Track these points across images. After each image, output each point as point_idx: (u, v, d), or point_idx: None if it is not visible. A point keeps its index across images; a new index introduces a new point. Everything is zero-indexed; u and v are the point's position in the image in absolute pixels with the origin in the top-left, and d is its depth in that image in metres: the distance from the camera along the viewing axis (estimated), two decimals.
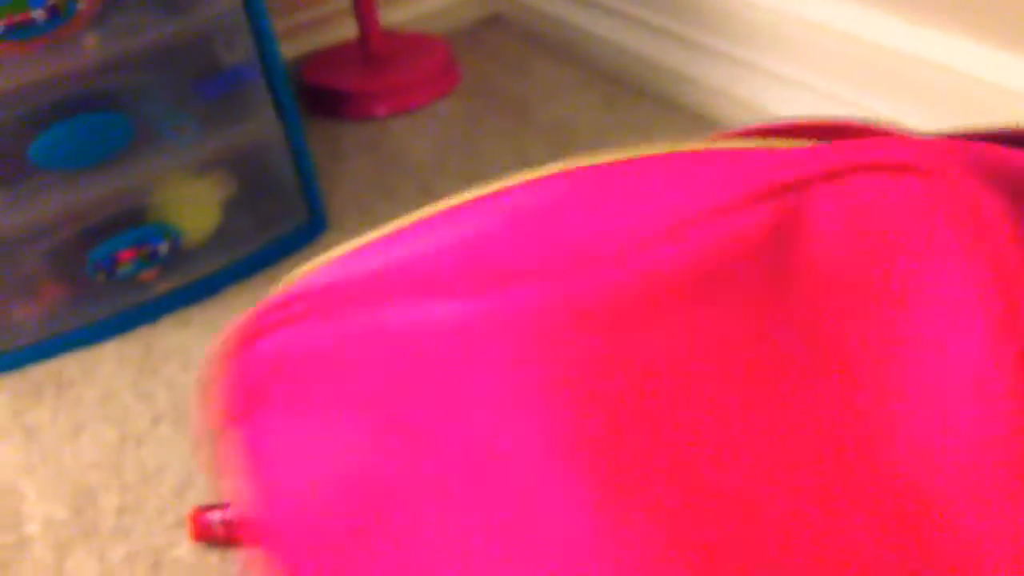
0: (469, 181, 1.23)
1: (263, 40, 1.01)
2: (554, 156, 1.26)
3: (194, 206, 1.05)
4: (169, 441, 0.88)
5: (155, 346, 1.02)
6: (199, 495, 0.82)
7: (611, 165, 0.37)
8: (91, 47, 0.89)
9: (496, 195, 0.39)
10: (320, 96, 1.45)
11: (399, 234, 0.40)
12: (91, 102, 0.92)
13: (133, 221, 1.01)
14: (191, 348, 1.01)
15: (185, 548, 0.77)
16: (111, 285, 1.01)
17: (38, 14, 0.83)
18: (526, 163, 1.25)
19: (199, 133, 1.01)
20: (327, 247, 1.14)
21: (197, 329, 1.04)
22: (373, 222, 1.18)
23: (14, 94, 0.88)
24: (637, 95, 1.36)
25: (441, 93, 1.47)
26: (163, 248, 1.01)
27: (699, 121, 1.28)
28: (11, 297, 0.99)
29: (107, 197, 0.97)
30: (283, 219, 1.12)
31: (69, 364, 1.01)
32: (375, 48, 1.52)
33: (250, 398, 0.39)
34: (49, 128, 0.90)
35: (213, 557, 0.76)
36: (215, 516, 0.75)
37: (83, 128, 0.92)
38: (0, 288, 0.99)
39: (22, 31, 0.84)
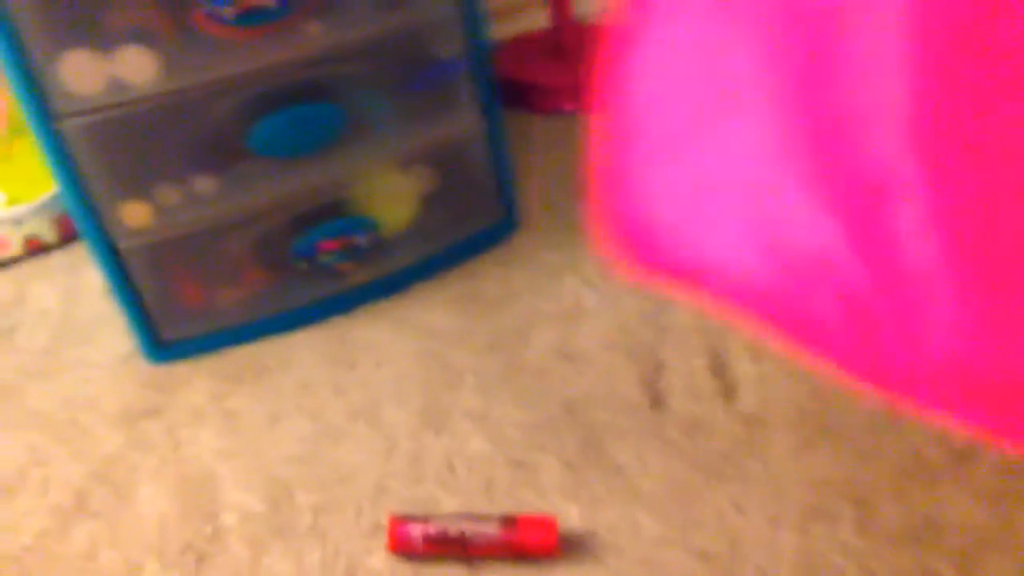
0: None
1: (474, 35, 0.98)
2: None
3: (394, 200, 1.04)
4: (364, 441, 0.87)
5: (349, 339, 1.01)
6: (395, 501, 0.81)
7: None
8: (314, 36, 0.88)
9: None
10: (508, 87, 1.42)
11: None
12: (309, 92, 0.92)
13: (335, 212, 1.00)
14: (383, 344, 1.00)
15: (380, 558, 0.76)
16: (310, 274, 1.01)
17: (270, 1, 0.83)
18: None
19: (406, 126, 0.99)
20: (518, 247, 1.11)
21: (388, 324, 1.03)
22: (564, 224, 1.14)
23: (240, 79, 0.88)
24: None
25: None
26: (363, 240, 1.01)
27: None
28: (217, 281, 1.01)
29: (315, 187, 0.97)
30: (476, 216, 1.10)
31: (267, 351, 1.02)
32: (566, 40, 1.48)
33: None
34: (269, 116, 0.90)
35: (407, 571, 0.75)
36: (416, 530, 0.73)
37: (301, 117, 0.91)
38: (208, 272, 1.00)
39: (255, 17, 0.84)
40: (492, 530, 0.70)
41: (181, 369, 1.01)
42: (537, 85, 1.39)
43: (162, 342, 1.01)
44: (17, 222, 1.26)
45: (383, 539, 0.77)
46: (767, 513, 0.75)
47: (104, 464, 0.90)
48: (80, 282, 1.22)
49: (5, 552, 0.81)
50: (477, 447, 0.84)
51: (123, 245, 0.94)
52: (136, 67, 0.84)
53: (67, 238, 1.30)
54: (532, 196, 1.17)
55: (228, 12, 0.82)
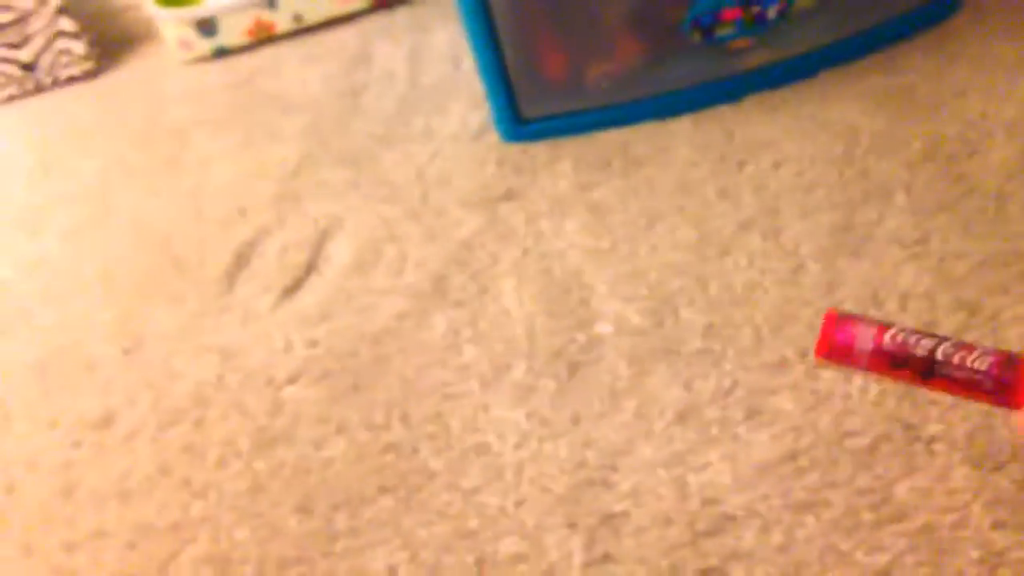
0: None
1: None
2: None
3: None
4: (762, 256, 0.73)
5: (739, 133, 0.86)
6: (802, 333, 0.67)
7: None
8: None
9: None
10: None
11: None
12: None
13: None
14: (782, 142, 0.83)
15: (789, 399, 0.63)
16: (699, 49, 0.85)
17: None
18: None
19: None
20: (957, 34, 0.89)
21: (788, 118, 0.86)
22: (1020, 7, 0.90)
23: None
24: None
25: None
26: (772, 11, 0.83)
27: None
28: (589, 51, 0.88)
29: None
30: None
31: (639, 138, 0.89)
32: None
33: None
34: None
35: (825, 417, 0.61)
36: (865, 335, 0.50)
37: None
38: (579, 39, 0.87)
39: None
40: (981, 364, 0.50)
41: (541, 151, 0.91)
42: None
43: (522, 118, 0.90)
44: None
45: (790, 375, 0.64)
46: None
47: (461, 248, 0.82)
48: (426, 44, 1.13)
49: (365, 329, 0.77)
50: (912, 279, 0.68)
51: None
52: None
53: None
54: None
55: None
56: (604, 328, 0.72)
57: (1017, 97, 0.80)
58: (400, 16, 1.20)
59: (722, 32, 0.84)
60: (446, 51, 1.10)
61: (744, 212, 0.78)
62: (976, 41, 0.87)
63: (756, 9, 0.82)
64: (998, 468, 0.56)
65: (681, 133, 0.88)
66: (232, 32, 1.19)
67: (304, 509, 0.64)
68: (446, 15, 1.15)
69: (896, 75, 0.86)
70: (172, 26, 1.19)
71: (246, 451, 0.69)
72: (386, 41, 1.15)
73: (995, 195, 0.72)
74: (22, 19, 1.22)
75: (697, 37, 0.84)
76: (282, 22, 1.19)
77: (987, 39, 0.87)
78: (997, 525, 0.53)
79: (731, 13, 0.82)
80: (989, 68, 0.84)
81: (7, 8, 1.21)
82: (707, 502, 0.58)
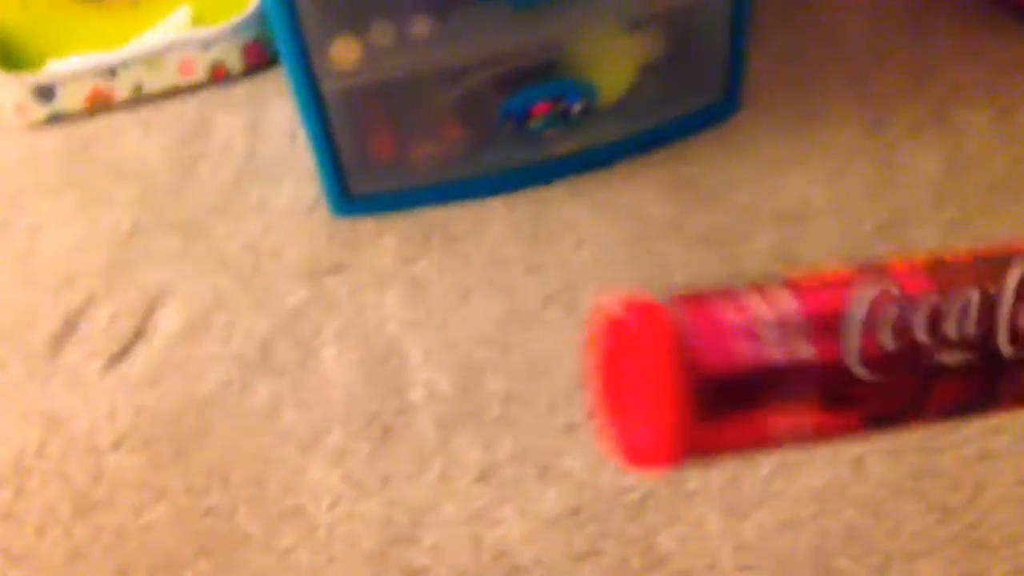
0: (919, 79, 1.03)
1: None
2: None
3: (613, 64, 0.95)
4: (560, 328, 0.82)
5: (546, 213, 0.95)
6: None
7: None
8: None
9: None
10: None
11: None
12: None
13: (551, 73, 0.92)
14: (584, 223, 0.93)
15: (576, 459, 0.71)
16: (513, 138, 0.94)
17: None
18: (988, 62, 1.04)
19: None
20: (738, 131, 1.01)
21: (590, 202, 0.95)
22: (792, 110, 1.03)
23: None
24: None
25: None
26: (577, 108, 0.92)
27: None
28: (414, 134, 0.95)
29: (535, 42, 0.89)
30: (696, 92, 1.00)
31: (458, 216, 0.96)
32: None
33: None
34: None
35: (606, 475, 0.69)
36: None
37: None
38: (406, 123, 0.95)
39: None
40: None
41: (367, 225, 0.97)
42: None
43: (350, 194, 0.97)
44: (205, 46, 1.22)
45: (578, 438, 0.72)
46: None
47: (288, 318, 0.87)
48: (264, 117, 1.18)
49: (189, 396, 0.80)
50: None
51: (327, 86, 0.88)
52: None
53: (252, 67, 1.26)
54: (761, 74, 1.05)
55: None
56: (417, 394, 0.78)
57: (782, 190, 0.92)
58: (240, 89, 1.24)
59: (533, 124, 0.92)
60: (283, 125, 1.15)
61: (548, 287, 0.86)
62: (752, 138, 0.99)
63: (562, 105, 0.92)
64: (745, 517, 0.65)
65: (496, 212, 0.96)
66: (71, 98, 1.21)
67: (123, 574, 0.67)
68: (283, 90, 1.20)
69: (685, 166, 0.97)
70: (8, 90, 1.20)
71: (66, 518, 0.72)
72: (225, 113, 1.19)
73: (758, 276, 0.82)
74: None
75: (510, 128, 0.92)
76: (121, 91, 1.22)
77: (762, 137, 0.99)
78: (741, 568, 0.62)
79: (542, 107, 0.91)
80: (762, 163, 0.96)
81: None
82: (499, 555, 0.65)
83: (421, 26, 0.86)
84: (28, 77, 1.19)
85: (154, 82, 1.22)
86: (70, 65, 1.22)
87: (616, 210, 0.93)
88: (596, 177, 0.98)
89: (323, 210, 0.99)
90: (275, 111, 1.18)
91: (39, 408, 0.82)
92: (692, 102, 1.00)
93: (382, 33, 0.86)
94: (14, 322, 0.92)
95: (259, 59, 1.25)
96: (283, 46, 0.85)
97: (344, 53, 0.87)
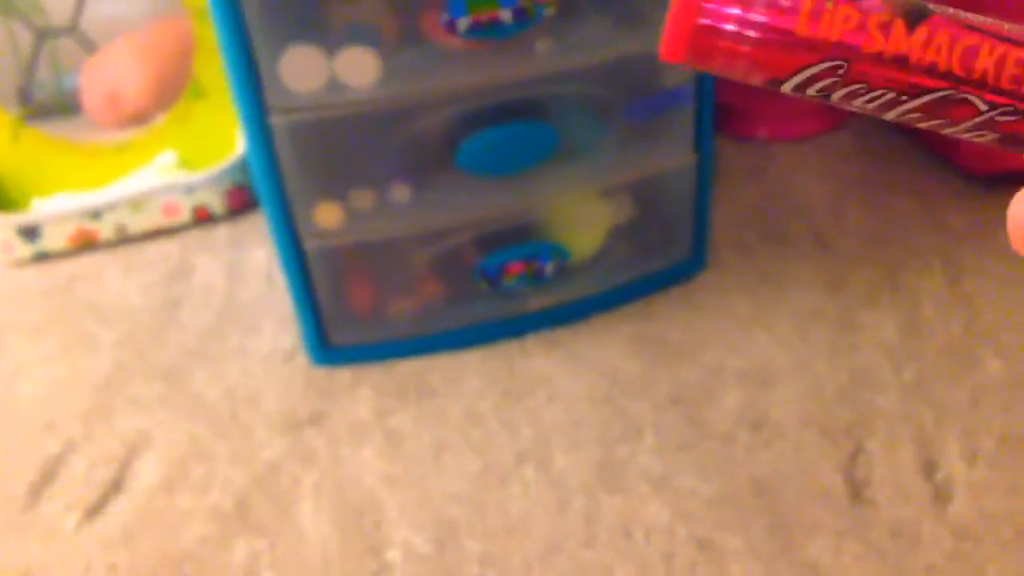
0: (875, 242, 1.09)
1: None
2: (971, 223, 1.10)
3: (585, 228, 1.00)
4: (534, 488, 0.84)
5: (519, 367, 0.98)
6: (566, 563, 0.77)
7: None
8: (544, 55, 0.84)
9: None
10: None
11: None
12: (524, 110, 0.88)
13: (525, 235, 0.97)
14: (555, 379, 0.96)
15: None
16: (488, 295, 0.98)
17: (506, 15, 0.79)
18: (941, 227, 1.11)
19: (618, 155, 0.94)
20: (703, 289, 1.06)
21: (561, 357, 0.99)
22: (754, 268, 1.08)
23: (459, 92, 0.85)
24: None
25: (833, 124, 1.34)
26: (550, 268, 0.97)
27: None
28: (393, 290, 0.99)
29: (511, 208, 0.94)
30: (663, 251, 1.05)
31: (434, 368, 0.99)
32: None
33: None
34: (481, 132, 0.86)
35: None
36: None
37: (513, 136, 0.88)
38: (385, 280, 0.98)
39: (487, 30, 0.80)
40: None
41: (345, 376, 0.99)
42: (726, 106, 1.31)
43: (329, 345, 0.99)
44: (189, 190, 1.26)
45: None
46: None
47: (266, 471, 0.88)
48: (245, 260, 1.21)
49: (167, 552, 0.81)
50: (655, 514, 0.80)
51: (309, 245, 0.92)
52: (358, 68, 0.82)
53: (234, 211, 1.30)
54: (724, 233, 1.11)
55: (463, 23, 0.78)
56: (395, 555, 0.79)
57: (747, 349, 0.96)
58: (220, 232, 1.28)
59: (508, 282, 0.96)
60: (262, 268, 1.19)
61: (521, 443, 0.89)
62: (717, 296, 1.04)
63: (536, 265, 0.96)
64: None
65: (471, 365, 0.99)
66: (55, 238, 1.24)
67: None
68: (263, 233, 1.24)
69: (653, 323, 1.01)
70: None
71: None
72: (206, 255, 1.23)
73: (724, 438, 0.86)
74: None
75: (484, 287, 0.96)
76: (105, 231, 1.25)
77: (727, 294, 1.04)
78: None
79: (516, 267, 0.95)
80: (727, 321, 1.00)
81: None
82: None
83: (401, 193, 0.90)
84: (13, 217, 1.22)
85: (138, 223, 1.25)
86: (56, 205, 1.25)
87: (587, 365, 0.97)
88: (569, 331, 1.02)
89: (301, 357, 1.02)
90: (255, 254, 1.22)
91: (14, 564, 0.82)
92: (660, 261, 1.05)
93: (362, 199, 0.91)
94: None
95: (241, 203, 1.29)
96: (268, 207, 0.89)
97: (326, 217, 0.91)
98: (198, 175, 1.26)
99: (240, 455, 0.90)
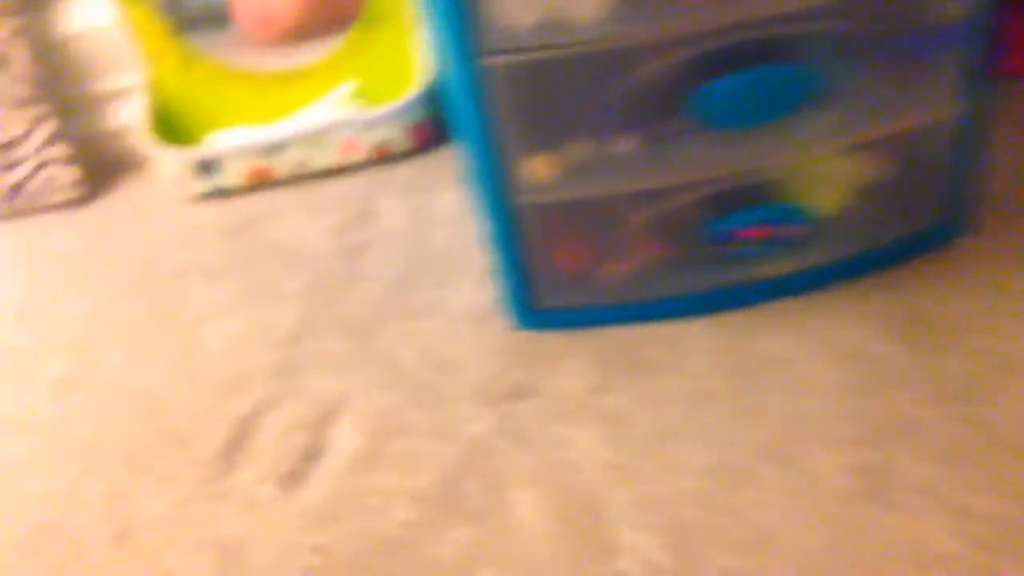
0: None
1: None
2: None
3: (826, 187, 0.87)
4: (781, 491, 0.73)
5: (751, 344, 0.87)
6: None
7: None
8: None
9: None
10: None
11: None
12: (768, 52, 0.75)
13: (760, 195, 0.84)
14: (794, 360, 0.84)
15: None
16: (715, 259, 0.86)
17: None
18: None
19: (873, 104, 0.81)
20: (963, 259, 0.91)
21: (799, 335, 0.87)
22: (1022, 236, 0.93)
23: (697, 32, 0.72)
24: None
25: None
26: (786, 232, 0.84)
27: None
28: (607, 251, 0.88)
29: (749, 165, 0.81)
30: (914, 214, 0.91)
31: (653, 338, 0.89)
32: None
33: None
34: (722, 77, 0.74)
35: None
36: None
37: (757, 82, 0.75)
38: (599, 240, 0.88)
39: None
40: None
41: (552, 342, 0.90)
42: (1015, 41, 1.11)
43: (534, 308, 0.90)
44: (369, 127, 1.18)
45: None
46: None
47: (473, 448, 0.81)
48: (430, 204, 1.13)
49: (372, 536, 0.74)
50: (937, 538, 0.68)
51: (519, 200, 0.82)
52: (584, 1, 0.70)
53: (418, 148, 1.21)
54: (984, 192, 0.96)
55: None
56: (627, 563, 0.70)
57: None
58: (402, 172, 1.19)
59: (739, 247, 0.84)
60: (451, 213, 1.10)
61: (761, 436, 0.78)
62: (983, 266, 0.89)
63: (771, 229, 0.84)
64: None
65: (694, 337, 0.88)
66: (231, 174, 1.18)
67: None
68: (449, 175, 1.15)
69: (901, 296, 0.88)
70: (170, 163, 1.16)
71: None
72: (389, 197, 1.15)
73: (1014, 448, 0.73)
74: (13, 143, 1.19)
75: (713, 251, 0.84)
76: (283, 168, 1.18)
77: (994, 265, 0.89)
78: None
79: (750, 232, 0.83)
80: (996, 297, 0.86)
81: None
82: None
83: (624, 144, 0.79)
84: (189, 151, 1.16)
85: (316, 161, 1.18)
86: (231, 140, 1.19)
87: (829, 345, 0.84)
88: (804, 303, 0.90)
89: (500, 319, 0.93)
90: (442, 197, 1.13)
91: (212, 536, 0.77)
92: (908, 225, 0.91)
93: (580, 150, 0.80)
94: (181, 428, 0.87)
95: (426, 139, 1.20)
96: (475, 159, 0.79)
97: (540, 170, 0.80)
98: (379, 110, 1.17)
99: (443, 429, 0.83)
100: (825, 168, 0.84)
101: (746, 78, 0.75)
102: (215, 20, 1.25)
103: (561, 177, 0.81)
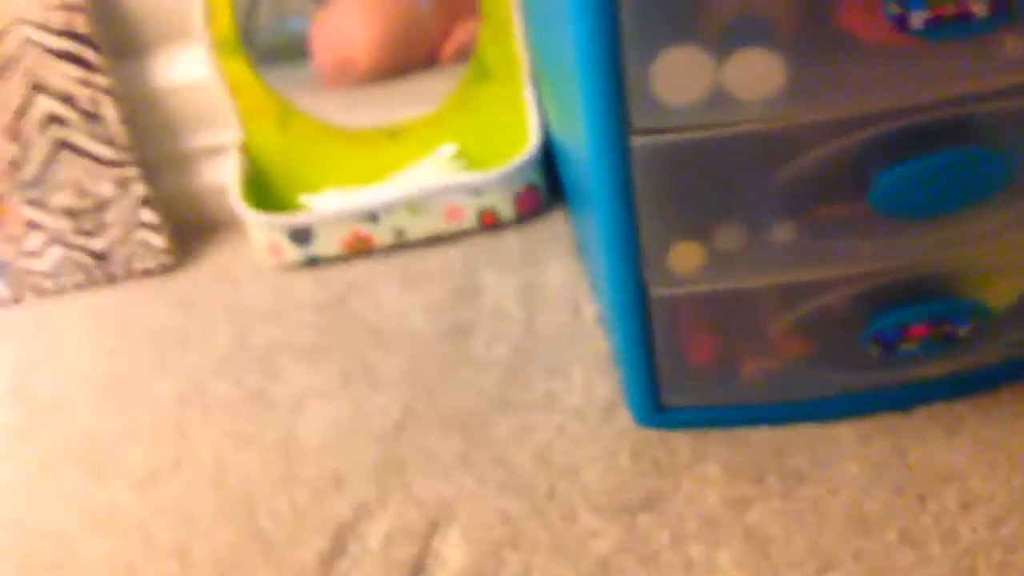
0: None
1: None
2: None
3: (1006, 276, 0.80)
4: None
5: (912, 454, 0.80)
6: None
7: None
8: (1014, 58, 0.64)
9: None
10: None
11: None
12: (962, 133, 0.69)
13: (929, 288, 0.78)
14: (968, 475, 0.77)
15: None
16: (872, 358, 0.80)
17: (980, 7, 0.61)
18: None
19: None
20: None
21: (969, 442, 0.80)
22: None
23: (892, 110, 0.67)
24: None
25: None
26: (964, 331, 0.77)
27: None
28: (748, 348, 0.83)
29: (925, 257, 0.75)
30: None
31: (796, 443, 0.83)
32: None
33: None
34: (907, 161, 0.68)
35: None
36: None
37: (948, 168, 0.70)
38: (739, 334, 0.82)
39: (951, 28, 0.62)
40: None
41: (683, 444, 0.85)
42: None
43: (662, 406, 0.85)
44: (476, 192, 1.14)
45: None
46: None
47: (598, 570, 0.75)
48: (540, 280, 1.09)
49: None
50: None
51: (656, 293, 0.77)
52: (755, 76, 0.66)
53: (524, 216, 1.18)
54: None
55: (917, 17, 0.61)
56: None
57: None
58: (509, 241, 1.15)
59: (905, 347, 0.78)
60: (563, 291, 1.06)
61: (933, 570, 0.71)
62: None
63: (947, 327, 0.77)
64: None
65: (845, 444, 0.82)
66: (327, 242, 1.15)
67: None
68: (560, 246, 1.11)
69: None
70: (262, 230, 1.15)
71: None
72: (495, 270, 1.11)
73: None
74: (100, 207, 1.19)
75: (876, 351, 0.78)
76: (382, 236, 1.16)
77: None
78: None
79: (918, 330, 0.77)
80: None
81: (84, 194, 1.18)
82: None
83: (781, 233, 0.74)
84: (282, 218, 1.14)
85: (417, 228, 1.15)
86: (327, 204, 1.17)
87: (1010, 459, 0.78)
88: (973, 405, 0.83)
89: (623, 415, 0.88)
90: (553, 273, 1.09)
91: None
92: None
93: (730, 238, 0.75)
94: (276, 533, 0.84)
95: (533, 207, 1.17)
96: (609, 247, 0.75)
97: (684, 259, 0.76)
98: (488, 174, 1.14)
99: (564, 545, 0.78)
100: (1008, 259, 0.78)
101: (929, 163, 0.69)
102: (293, 56, 1.23)
103: (706, 267, 0.76)
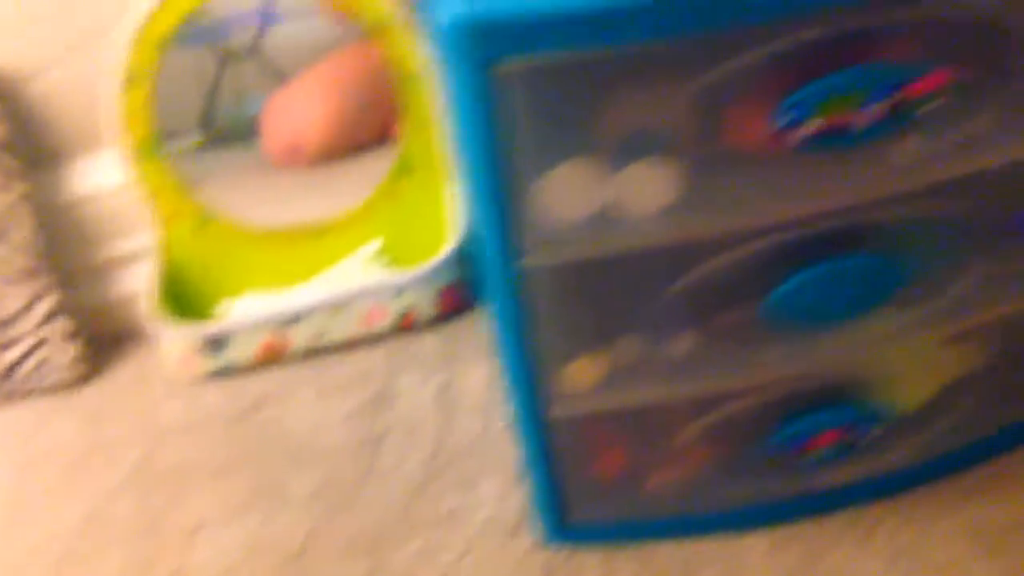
0: None
1: None
2: None
3: (914, 380, 0.81)
4: None
5: (825, 562, 0.80)
6: None
7: None
8: (900, 167, 0.66)
9: None
10: None
11: None
12: (855, 240, 0.70)
13: (835, 395, 0.78)
14: None
15: None
16: (780, 466, 0.80)
17: (860, 119, 0.63)
18: None
19: (978, 291, 0.75)
20: None
21: (882, 550, 0.80)
22: None
23: (781, 221, 0.68)
24: None
25: None
26: (873, 435, 0.78)
27: None
28: (652, 460, 0.83)
29: (827, 364, 0.76)
30: (1012, 405, 0.84)
31: (706, 556, 0.83)
32: None
33: None
34: (800, 270, 0.69)
35: None
36: None
37: (843, 275, 0.71)
38: (643, 448, 0.82)
39: (833, 138, 0.63)
40: None
41: (590, 560, 0.84)
42: None
43: (568, 521, 0.84)
44: (397, 292, 1.15)
45: None
46: None
47: None
48: (458, 383, 1.09)
49: None
50: None
51: (555, 412, 0.78)
52: (647, 189, 0.67)
53: (445, 315, 1.18)
54: None
55: (805, 130, 0.62)
56: None
57: None
58: (430, 342, 1.16)
59: (812, 455, 0.78)
60: (479, 394, 1.06)
61: None
62: None
63: (854, 433, 0.78)
64: None
65: (755, 554, 0.82)
66: (242, 350, 1.15)
67: None
68: (482, 346, 1.12)
69: (998, 504, 0.81)
70: (175, 341, 1.15)
71: None
72: (414, 374, 1.11)
73: None
74: (6, 321, 1.19)
75: (784, 459, 0.78)
76: (297, 340, 1.16)
77: None
78: None
79: (826, 437, 0.78)
80: None
81: None
82: None
83: (680, 345, 0.75)
84: (196, 328, 1.14)
85: (337, 330, 1.16)
86: (247, 311, 1.17)
87: (924, 568, 0.77)
88: (885, 509, 0.83)
89: (530, 529, 0.88)
90: (470, 375, 1.09)
91: None
92: (1006, 417, 0.84)
93: (631, 351, 0.75)
94: None
95: (456, 305, 1.17)
96: (510, 367, 0.75)
97: (582, 374, 0.76)
98: (408, 273, 1.15)
99: None
100: (914, 360, 0.78)
101: (827, 270, 0.70)
102: (244, 133, 1.25)
103: (606, 382, 0.76)
